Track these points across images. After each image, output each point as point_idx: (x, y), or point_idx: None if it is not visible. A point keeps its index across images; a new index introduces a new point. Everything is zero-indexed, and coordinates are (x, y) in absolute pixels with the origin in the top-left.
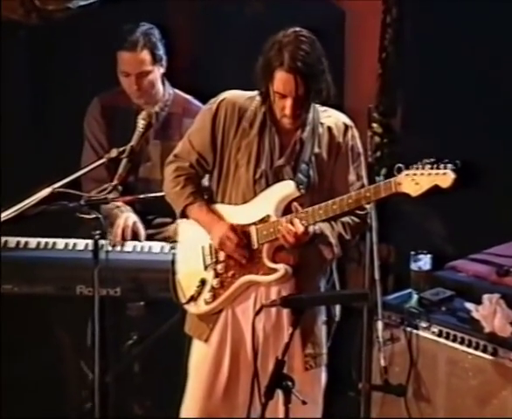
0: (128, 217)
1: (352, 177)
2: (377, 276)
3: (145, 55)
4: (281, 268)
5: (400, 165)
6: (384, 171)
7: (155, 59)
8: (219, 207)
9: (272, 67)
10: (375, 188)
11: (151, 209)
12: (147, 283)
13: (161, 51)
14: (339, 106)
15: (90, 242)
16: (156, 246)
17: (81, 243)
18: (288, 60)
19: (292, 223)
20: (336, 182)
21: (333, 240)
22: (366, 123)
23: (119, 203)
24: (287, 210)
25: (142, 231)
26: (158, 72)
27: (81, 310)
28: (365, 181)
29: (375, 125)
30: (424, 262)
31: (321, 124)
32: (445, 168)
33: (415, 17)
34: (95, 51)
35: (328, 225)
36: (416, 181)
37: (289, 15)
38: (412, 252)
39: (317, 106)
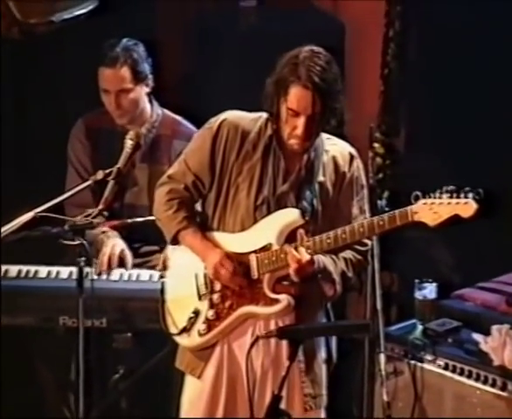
0: (114, 244)
1: (355, 211)
2: (379, 305)
3: (125, 72)
4: (284, 299)
5: (417, 193)
6: (386, 194)
7: (137, 77)
8: (215, 235)
9: (287, 83)
10: (389, 216)
11: (138, 237)
12: (135, 313)
13: (144, 69)
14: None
15: (74, 270)
16: (145, 274)
17: (65, 271)
18: (305, 75)
19: (297, 251)
20: (338, 214)
21: (336, 277)
22: (367, 143)
23: (105, 229)
24: (289, 239)
25: (130, 259)
26: (141, 90)
27: (65, 342)
28: (368, 215)
29: (377, 145)
30: (429, 290)
31: (326, 152)
32: (466, 196)
33: (419, 31)
34: (80, 67)
35: (331, 261)
36: (434, 210)
37: (286, 28)
38: (417, 280)
39: (321, 133)
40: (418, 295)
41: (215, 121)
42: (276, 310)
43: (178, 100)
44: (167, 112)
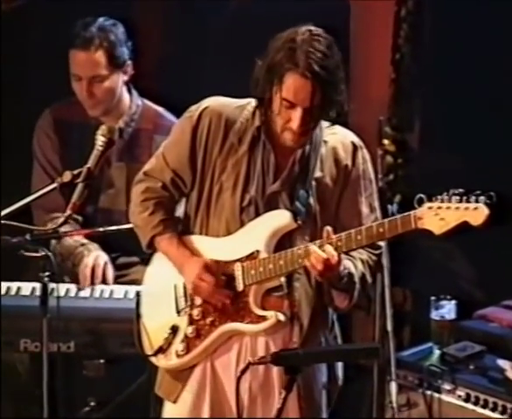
0: (98, 256)
1: (365, 209)
2: (389, 327)
3: (100, 56)
4: (272, 316)
5: (422, 195)
6: (397, 198)
7: (114, 63)
8: (196, 239)
9: (282, 69)
10: (390, 222)
11: (114, 246)
12: (107, 336)
13: (122, 53)
14: (343, 121)
15: (37, 286)
16: (119, 291)
17: (27, 288)
18: (304, 62)
19: (323, 250)
20: (344, 214)
21: (357, 282)
22: (376, 139)
23: (84, 240)
24: (279, 246)
25: (112, 274)
26: (118, 78)
27: (26, 370)
28: (379, 214)
29: (387, 141)
30: (447, 309)
31: (325, 142)
32: (476, 201)
33: (435, 10)
34: (48, 49)
35: (351, 263)
36: (441, 216)
37: (281, 8)
38: (433, 298)
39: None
40: (435, 315)
41: (195, 110)
42: (263, 328)
43: (160, 89)
44: (148, 102)
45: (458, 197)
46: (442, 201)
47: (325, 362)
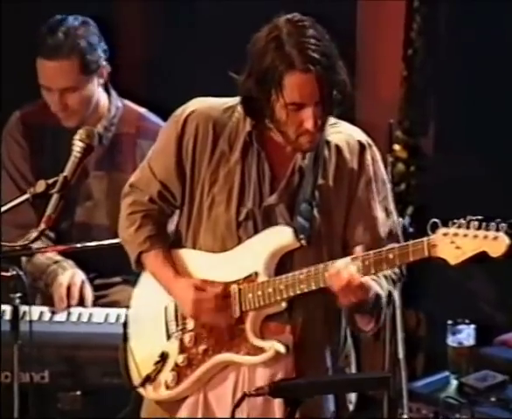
0: (74, 274)
1: (380, 214)
2: (401, 354)
3: (71, 64)
4: (270, 348)
5: (436, 220)
6: (410, 210)
7: (87, 70)
8: (188, 254)
9: (276, 74)
10: (400, 249)
11: (91, 265)
12: (86, 365)
13: (96, 56)
14: (349, 121)
15: (7, 308)
16: (99, 314)
17: None
18: (300, 56)
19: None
20: (356, 225)
21: (384, 303)
22: (385, 145)
23: (57, 257)
24: (281, 267)
25: (90, 294)
26: (94, 84)
27: None
28: (395, 217)
29: (398, 147)
30: (465, 335)
31: (327, 143)
32: (497, 229)
33: (453, 0)
34: (13, 50)
35: (374, 283)
36: (457, 244)
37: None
38: (450, 322)
39: None
40: (452, 341)
41: (180, 114)
42: (260, 360)
43: (141, 89)
44: (129, 104)
45: (476, 224)
46: (459, 227)
47: (329, 394)
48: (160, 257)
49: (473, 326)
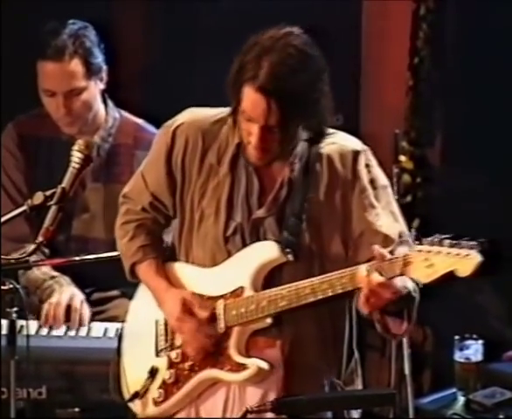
0: (73, 296)
1: (386, 220)
2: (407, 370)
3: (76, 65)
4: (252, 365)
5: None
6: (416, 223)
7: (91, 71)
8: (180, 267)
9: (242, 78)
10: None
11: (89, 279)
12: (84, 381)
13: (98, 59)
14: (353, 134)
15: (4, 323)
16: (98, 329)
17: None
18: (264, 76)
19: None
20: (358, 237)
21: (416, 296)
22: (391, 156)
23: (53, 273)
24: (270, 282)
25: (87, 314)
26: (96, 87)
27: None
28: (401, 220)
29: (404, 158)
30: (473, 350)
31: (319, 155)
32: (470, 248)
33: (460, 7)
34: (10, 58)
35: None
36: (430, 261)
37: (283, 5)
38: (457, 337)
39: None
40: (459, 356)
41: (170, 126)
42: (242, 378)
43: (138, 99)
44: (126, 114)
45: (448, 241)
46: (432, 244)
47: (333, 410)
48: (153, 268)
49: (480, 342)
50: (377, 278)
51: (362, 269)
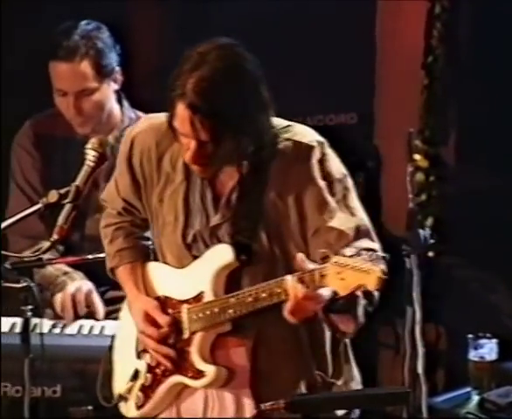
0: (82, 284)
1: (340, 215)
2: (420, 369)
3: (86, 66)
4: (210, 371)
5: (324, 250)
6: (430, 221)
7: (103, 72)
8: (156, 267)
9: (173, 94)
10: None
11: (103, 277)
12: (97, 379)
13: (111, 60)
14: (367, 133)
15: (18, 321)
16: (111, 327)
17: (6, 324)
18: (191, 92)
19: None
20: (315, 232)
21: (359, 295)
22: (405, 154)
23: (67, 268)
24: (231, 286)
25: (100, 306)
26: (109, 88)
27: (6, 418)
28: (364, 216)
29: (418, 157)
30: (487, 349)
31: (273, 153)
32: (375, 261)
33: (474, 7)
34: (24, 58)
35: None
36: (342, 275)
37: (294, 8)
38: (471, 336)
39: (274, 121)
40: (473, 355)
41: (128, 134)
42: (202, 384)
43: (153, 99)
44: (141, 115)
45: (366, 253)
46: (350, 256)
47: (346, 409)
48: (126, 273)
49: (494, 341)
50: (300, 289)
51: (288, 279)
